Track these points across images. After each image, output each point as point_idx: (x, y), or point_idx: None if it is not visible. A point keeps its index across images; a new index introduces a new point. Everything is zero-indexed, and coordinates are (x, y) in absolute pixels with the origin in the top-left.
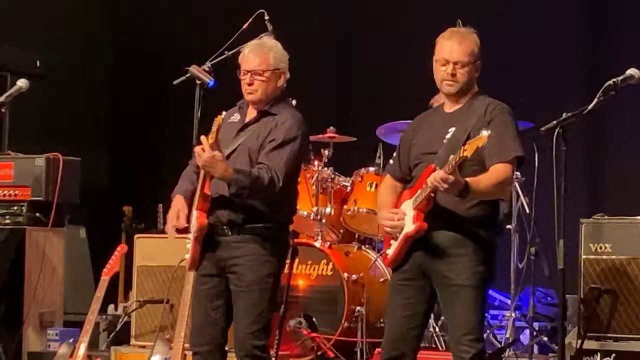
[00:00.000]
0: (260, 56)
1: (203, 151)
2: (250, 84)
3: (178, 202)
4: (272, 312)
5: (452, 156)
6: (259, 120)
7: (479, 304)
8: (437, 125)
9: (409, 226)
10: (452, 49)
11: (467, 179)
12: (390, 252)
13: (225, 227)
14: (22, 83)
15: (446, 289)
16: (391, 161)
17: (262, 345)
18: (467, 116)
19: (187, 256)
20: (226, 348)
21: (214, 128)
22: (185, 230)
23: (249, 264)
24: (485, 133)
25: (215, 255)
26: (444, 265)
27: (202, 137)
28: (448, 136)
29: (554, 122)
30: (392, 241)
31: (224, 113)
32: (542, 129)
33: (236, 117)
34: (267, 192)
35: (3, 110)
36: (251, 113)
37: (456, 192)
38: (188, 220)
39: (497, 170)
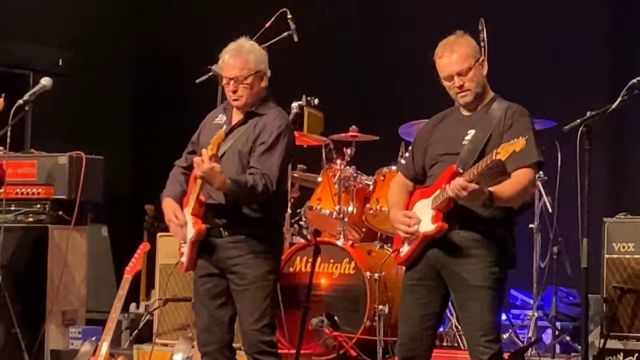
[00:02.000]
0: (240, 61)
1: (202, 162)
2: (234, 91)
3: (170, 204)
4: (274, 308)
5: (478, 162)
6: (246, 122)
7: (495, 305)
8: (454, 127)
9: (428, 226)
10: (448, 62)
11: (491, 189)
12: (404, 251)
13: (221, 229)
14: (45, 81)
15: (461, 290)
16: (402, 160)
17: (270, 341)
18: (487, 119)
19: (183, 259)
20: (235, 345)
21: (215, 140)
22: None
23: (248, 262)
24: (522, 138)
25: (212, 256)
26: (459, 265)
27: (203, 150)
28: (468, 138)
29: (578, 120)
30: (405, 240)
31: (225, 127)
32: (566, 127)
33: (221, 118)
34: (261, 197)
35: (26, 108)
36: (237, 114)
37: (480, 202)
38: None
39: (521, 176)
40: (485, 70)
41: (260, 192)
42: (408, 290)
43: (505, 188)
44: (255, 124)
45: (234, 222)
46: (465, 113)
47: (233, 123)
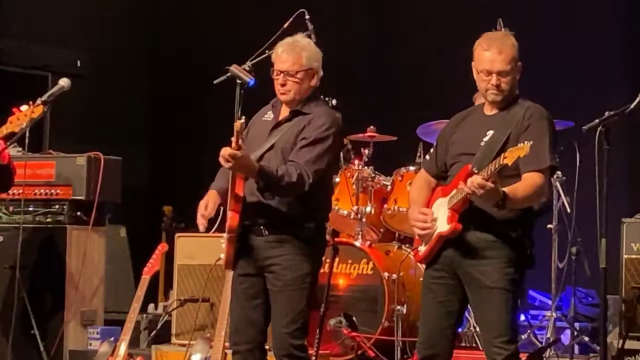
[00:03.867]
0: (293, 56)
1: (227, 154)
2: (283, 85)
3: (209, 195)
4: (310, 311)
5: (492, 163)
6: (291, 120)
7: (511, 306)
8: (475, 127)
9: (443, 226)
10: (493, 59)
11: (505, 189)
12: (422, 250)
13: (262, 227)
14: (64, 82)
15: (477, 290)
16: (427, 157)
17: (300, 345)
18: (507, 120)
19: (222, 256)
20: (266, 347)
21: (235, 133)
22: (219, 228)
23: (287, 263)
24: (527, 143)
25: (252, 255)
26: (474, 266)
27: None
28: (486, 139)
29: (596, 121)
30: (422, 238)
31: (243, 118)
32: (585, 127)
33: (269, 115)
34: (296, 188)
35: (45, 109)
36: (284, 111)
37: (494, 202)
38: (216, 216)
39: (532, 179)
40: (519, 74)
41: (294, 182)
42: (427, 289)
43: (517, 190)
44: (300, 122)
45: (275, 221)
46: (487, 112)
47: (279, 119)
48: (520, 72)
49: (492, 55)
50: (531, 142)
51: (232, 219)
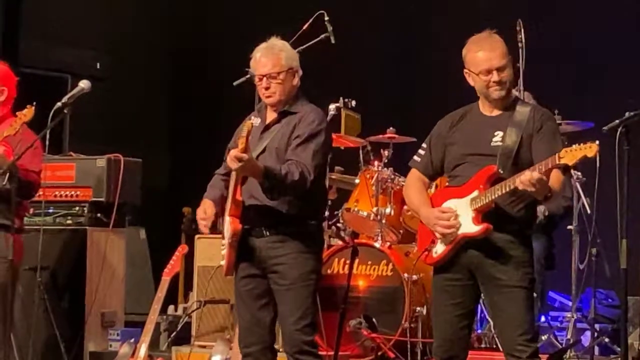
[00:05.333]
0: (273, 59)
1: (235, 157)
2: (267, 88)
3: (204, 203)
4: (316, 308)
5: (549, 159)
6: (280, 121)
7: (530, 304)
8: (479, 128)
9: (470, 227)
10: (490, 57)
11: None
12: (439, 251)
13: (263, 228)
14: (84, 84)
15: (497, 290)
16: (417, 158)
17: (311, 341)
18: (516, 121)
19: (222, 262)
20: (276, 347)
21: (244, 134)
22: (218, 231)
23: (291, 262)
24: (594, 143)
25: (255, 256)
26: (495, 266)
27: (232, 151)
28: (497, 139)
29: (617, 121)
30: (438, 240)
31: (253, 118)
32: (605, 128)
33: (256, 120)
34: (299, 185)
35: (65, 111)
36: (271, 115)
37: (541, 196)
38: (217, 220)
39: (557, 177)
40: (514, 69)
41: (297, 180)
42: (441, 291)
43: (554, 184)
44: (289, 122)
45: (275, 221)
46: (488, 113)
47: (267, 122)
48: (514, 66)
49: (486, 54)
50: (597, 142)
51: (234, 223)
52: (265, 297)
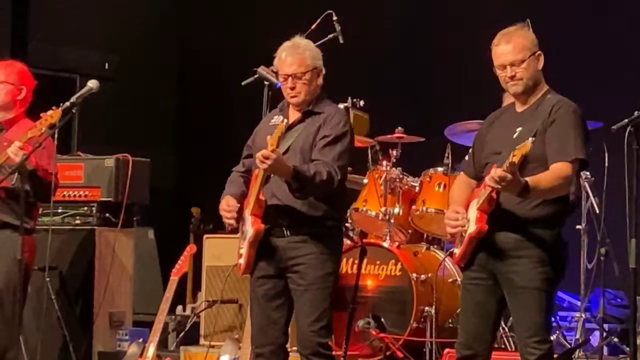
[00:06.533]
0: (298, 58)
1: (264, 156)
2: (292, 88)
3: (226, 198)
4: (334, 310)
5: (510, 154)
6: (304, 120)
7: (544, 305)
8: (507, 125)
9: (471, 227)
10: (503, 51)
11: (527, 179)
12: (457, 252)
13: (284, 228)
14: (92, 84)
15: (511, 290)
16: (467, 157)
17: (325, 343)
18: (535, 116)
19: (241, 261)
20: (288, 347)
21: (277, 134)
22: (237, 230)
23: (311, 262)
24: (528, 141)
25: (274, 256)
26: (507, 267)
27: (263, 151)
28: (514, 136)
29: (626, 120)
30: (452, 239)
31: (285, 121)
32: (614, 127)
33: (277, 119)
34: (327, 186)
35: (74, 111)
36: (294, 114)
37: (516, 192)
38: (238, 219)
39: (557, 169)
40: (540, 65)
41: (325, 180)
42: (466, 290)
43: (541, 179)
44: (313, 122)
45: (296, 221)
46: (519, 109)
47: (291, 122)
48: (540, 60)
49: (501, 48)
50: (533, 138)
51: (257, 223)
52: (280, 298)
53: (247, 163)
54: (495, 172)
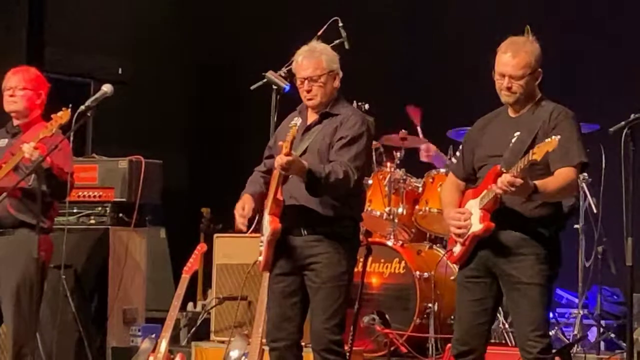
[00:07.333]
0: (314, 62)
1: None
2: (309, 91)
3: (244, 198)
4: (347, 308)
5: (521, 159)
6: (321, 122)
7: (544, 301)
8: (502, 129)
9: (476, 225)
10: (507, 62)
11: (536, 182)
12: (457, 250)
13: (301, 228)
14: (106, 88)
15: (512, 287)
16: (454, 160)
17: (338, 340)
18: (532, 121)
19: (260, 258)
20: (302, 343)
21: (289, 138)
22: (257, 230)
23: (326, 261)
24: (555, 137)
25: (292, 255)
26: (509, 264)
27: (280, 143)
28: (513, 140)
29: (622, 123)
30: (457, 240)
31: (298, 123)
32: (611, 130)
33: (297, 121)
34: (343, 185)
35: (88, 114)
36: (312, 116)
37: (525, 195)
38: (254, 216)
39: (563, 174)
40: (538, 81)
41: (341, 179)
42: (462, 288)
43: (549, 183)
44: (331, 123)
45: (313, 221)
46: (512, 114)
47: (309, 123)
48: (538, 78)
49: (506, 58)
50: (559, 136)
51: (275, 222)
52: (297, 295)
53: (268, 163)
54: (505, 177)
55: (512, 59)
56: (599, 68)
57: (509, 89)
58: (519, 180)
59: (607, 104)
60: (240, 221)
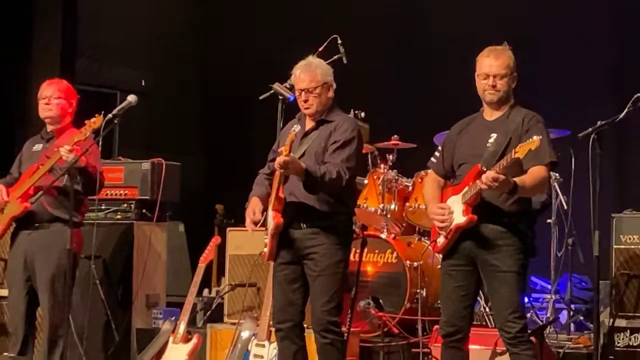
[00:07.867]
0: (310, 75)
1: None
2: (306, 101)
3: (254, 202)
4: (344, 292)
5: (504, 157)
6: (317, 128)
7: (521, 287)
8: (479, 131)
9: (460, 218)
10: (491, 64)
11: (515, 179)
12: (440, 241)
13: (301, 222)
14: (131, 98)
15: (493, 275)
16: (433, 159)
17: (335, 321)
18: (507, 124)
19: (265, 249)
20: (304, 324)
21: (288, 142)
22: (263, 224)
23: (323, 251)
24: (537, 137)
25: (293, 246)
26: (490, 254)
27: (280, 150)
28: (491, 141)
29: (590, 129)
30: (441, 232)
31: (297, 130)
32: (580, 135)
33: (296, 127)
34: (336, 183)
35: (115, 122)
36: (309, 123)
37: (506, 190)
38: (262, 215)
39: (537, 172)
40: (514, 84)
41: (334, 178)
42: (447, 275)
43: (525, 180)
44: (326, 129)
45: (311, 216)
46: (488, 118)
47: (307, 129)
48: (515, 81)
49: (490, 60)
50: (540, 136)
51: (277, 217)
52: (298, 281)
53: (272, 166)
54: (490, 174)
55: (496, 60)
56: (571, 78)
57: (493, 87)
58: (501, 177)
59: (576, 112)
60: (251, 226)
